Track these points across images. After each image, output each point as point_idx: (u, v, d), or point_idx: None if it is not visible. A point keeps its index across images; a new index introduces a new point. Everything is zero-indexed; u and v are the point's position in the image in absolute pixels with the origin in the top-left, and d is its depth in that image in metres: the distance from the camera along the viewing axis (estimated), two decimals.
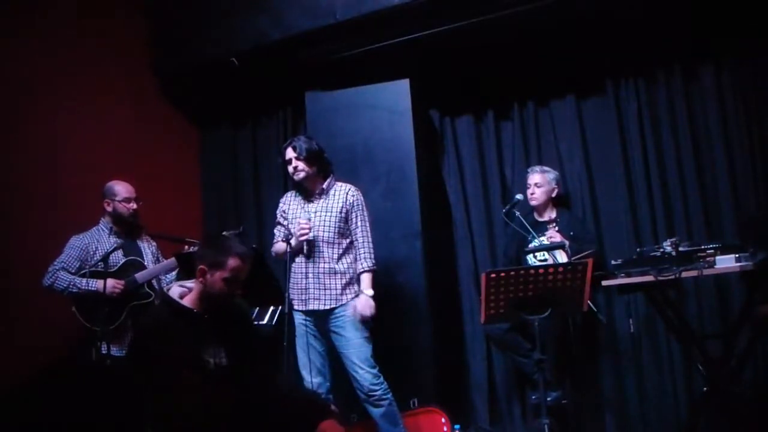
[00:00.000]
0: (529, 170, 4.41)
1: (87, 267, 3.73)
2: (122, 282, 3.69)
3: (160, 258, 3.99)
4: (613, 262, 3.68)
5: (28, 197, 4.04)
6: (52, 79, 4.29)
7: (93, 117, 4.49)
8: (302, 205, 3.70)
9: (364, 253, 3.67)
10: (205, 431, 2.51)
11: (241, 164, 5.34)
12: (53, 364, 3.67)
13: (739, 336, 3.60)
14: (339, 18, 4.25)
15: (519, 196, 4.31)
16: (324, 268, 3.58)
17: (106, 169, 4.15)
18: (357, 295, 3.62)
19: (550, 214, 4.35)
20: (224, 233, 3.78)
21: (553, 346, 3.96)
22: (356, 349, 3.54)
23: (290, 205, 3.75)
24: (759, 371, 3.90)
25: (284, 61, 4.65)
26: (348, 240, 3.67)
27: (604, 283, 3.71)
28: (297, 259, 3.63)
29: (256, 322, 3.87)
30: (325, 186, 3.70)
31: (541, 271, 3.35)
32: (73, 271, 3.71)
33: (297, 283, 3.61)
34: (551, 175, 4.34)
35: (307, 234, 3.55)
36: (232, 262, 2.66)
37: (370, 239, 3.70)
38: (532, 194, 4.31)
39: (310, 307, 3.57)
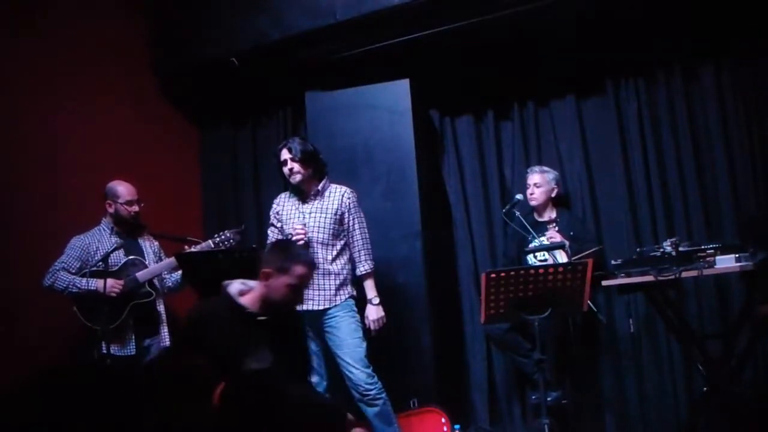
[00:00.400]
0: (528, 170, 4.41)
1: (88, 267, 3.74)
2: (121, 282, 3.69)
3: (163, 257, 3.99)
4: (613, 262, 3.68)
5: (28, 197, 4.04)
6: (52, 79, 4.29)
7: (93, 117, 4.49)
8: (297, 206, 3.70)
9: (364, 255, 3.68)
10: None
11: (241, 164, 5.34)
12: (54, 364, 3.66)
13: (739, 336, 3.60)
14: (339, 18, 4.24)
15: (519, 196, 4.32)
16: (318, 269, 3.59)
17: (106, 169, 4.15)
18: (351, 296, 3.64)
19: (550, 214, 4.35)
20: (226, 231, 3.79)
21: (553, 346, 3.96)
22: (350, 350, 3.54)
23: (284, 206, 3.76)
24: (759, 371, 3.90)
25: (284, 61, 4.65)
26: (342, 241, 3.68)
27: (604, 283, 3.72)
28: None
29: None
30: (320, 187, 3.70)
31: (541, 271, 3.35)
32: (73, 271, 3.71)
33: None
34: (551, 175, 4.34)
35: (302, 239, 3.56)
36: (299, 269, 2.68)
37: (368, 241, 3.71)
38: (531, 194, 4.31)
39: (305, 308, 3.57)
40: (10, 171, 4.00)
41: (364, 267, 3.68)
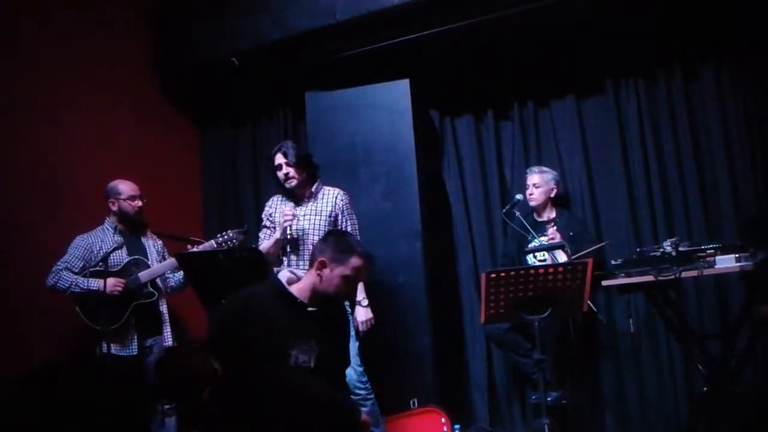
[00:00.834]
0: (527, 171, 4.41)
1: (90, 267, 3.74)
2: (122, 281, 3.70)
3: (166, 256, 3.99)
4: (613, 262, 3.68)
5: (29, 197, 4.04)
6: (52, 79, 4.29)
7: (93, 117, 4.49)
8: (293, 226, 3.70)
9: None
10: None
11: (241, 164, 5.34)
12: (54, 363, 3.67)
13: (739, 336, 3.61)
14: (339, 18, 4.24)
15: (519, 196, 4.32)
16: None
17: (106, 169, 4.16)
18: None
19: (550, 214, 4.35)
20: (229, 231, 3.79)
21: (553, 346, 3.96)
22: None
23: (277, 209, 3.78)
24: (759, 371, 3.90)
25: (284, 61, 4.66)
26: None
27: (604, 283, 3.72)
28: (286, 262, 3.63)
29: None
30: (313, 189, 3.73)
31: (541, 271, 3.35)
32: (76, 270, 3.72)
33: None
34: (549, 175, 4.34)
35: (290, 221, 3.55)
36: (356, 260, 2.58)
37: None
38: (530, 195, 4.31)
39: None
40: (10, 171, 4.01)
41: None
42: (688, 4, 4.02)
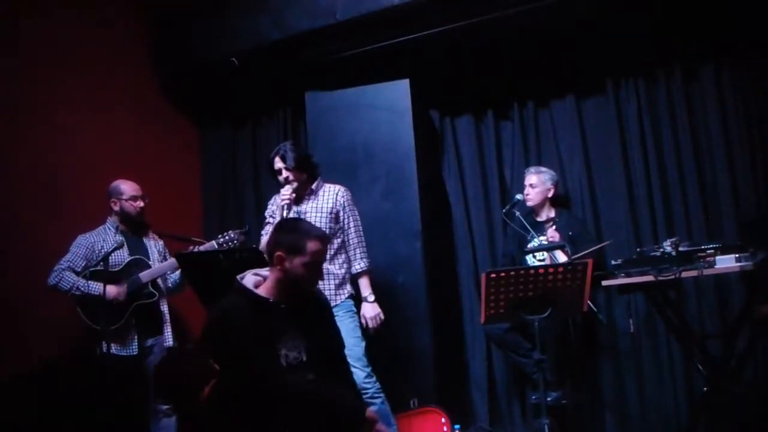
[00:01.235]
0: (525, 171, 4.41)
1: (91, 267, 3.74)
2: (123, 289, 3.69)
3: (167, 256, 3.99)
4: (613, 262, 3.69)
5: (29, 197, 4.04)
6: (53, 78, 4.29)
7: (93, 117, 4.49)
8: (294, 206, 3.71)
9: (360, 253, 3.69)
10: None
11: (241, 164, 5.34)
12: (54, 363, 3.68)
13: (739, 336, 3.61)
14: (339, 18, 4.24)
15: (519, 196, 4.32)
16: None
17: (106, 169, 4.16)
18: (350, 295, 3.63)
19: (549, 214, 4.35)
20: (230, 232, 3.79)
21: (553, 346, 3.96)
22: (349, 348, 3.52)
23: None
24: (759, 371, 3.90)
25: (284, 61, 4.66)
26: (339, 240, 3.68)
27: (604, 283, 3.72)
28: None
29: None
30: (313, 187, 3.72)
31: (541, 271, 3.35)
32: (79, 269, 3.73)
33: None
34: (547, 175, 4.33)
35: (288, 200, 3.55)
36: (312, 245, 2.52)
37: (363, 239, 3.72)
38: (527, 195, 4.31)
39: None
40: (10, 171, 4.01)
41: (360, 265, 3.68)
42: (688, 4, 4.02)
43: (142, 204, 3.90)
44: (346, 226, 3.69)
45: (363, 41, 4.40)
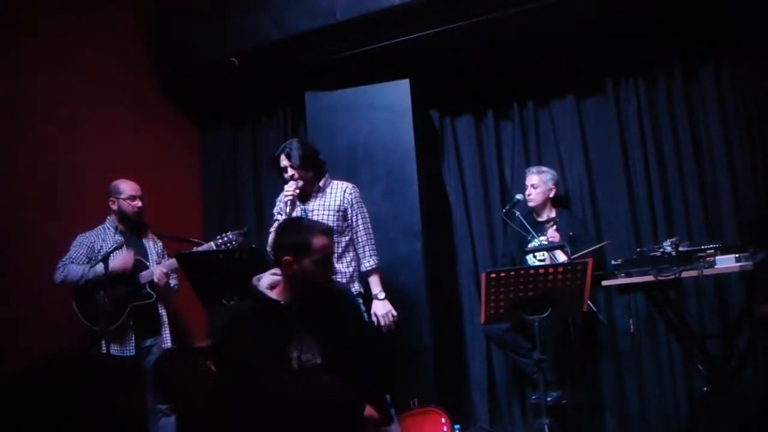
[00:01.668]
0: (526, 171, 4.41)
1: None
2: (131, 256, 3.71)
3: (166, 257, 4.00)
4: (613, 262, 3.68)
5: (28, 197, 4.04)
6: (53, 78, 4.29)
7: (93, 117, 4.49)
8: (299, 204, 3.70)
9: (369, 250, 3.66)
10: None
11: (241, 164, 5.34)
12: (55, 362, 3.67)
13: (739, 336, 3.61)
14: (339, 18, 4.24)
15: (519, 196, 4.32)
16: None
17: (106, 169, 4.16)
18: (358, 293, 3.62)
19: (549, 214, 4.35)
20: (229, 233, 3.78)
21: (553, 346, 3.96)
22: None
23: None
24: (759, 371, 3.90)
25: (284, 61, 4.65)
26: (347, 238, 3.65)
27: (604, 283, 3.72)
28: None
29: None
30: (321, 184, 3.69)
31: (541, 271, 3.35)
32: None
33: None
34: (548, 175, 4.33)
35: (291, 196, 3.52)
36: (318, 241, 2.46)
37: (372, 236, 3.69)
38: (528, 195, 4.31)
39: None
40: (11, 171, 4.01)
41: (369, 263, 3.64)
42: (688, 4, 4.02)
43: (139, 204, 3.90)
44: (354, 223, 3.66)
45: (363, 41, 4.40)
